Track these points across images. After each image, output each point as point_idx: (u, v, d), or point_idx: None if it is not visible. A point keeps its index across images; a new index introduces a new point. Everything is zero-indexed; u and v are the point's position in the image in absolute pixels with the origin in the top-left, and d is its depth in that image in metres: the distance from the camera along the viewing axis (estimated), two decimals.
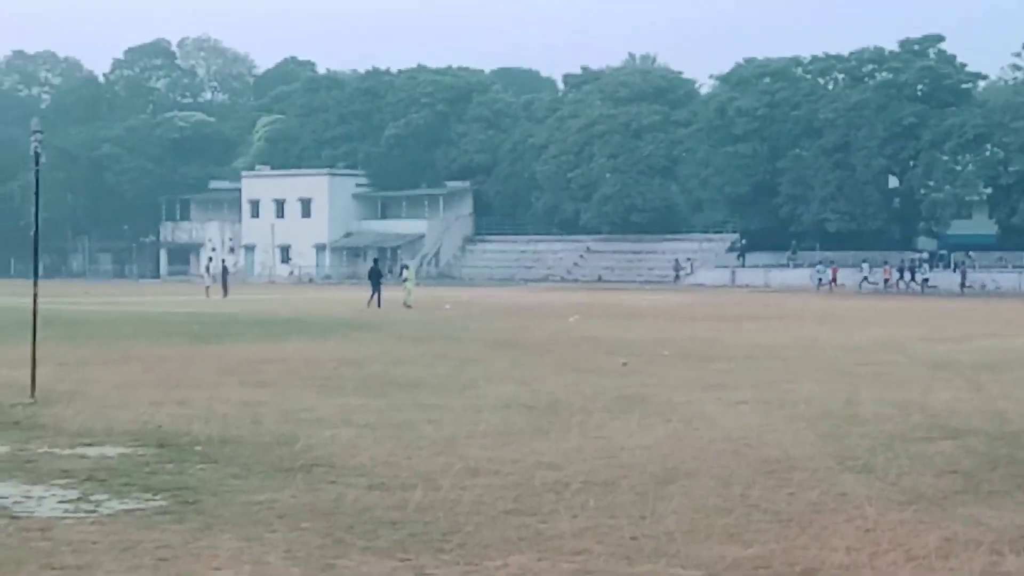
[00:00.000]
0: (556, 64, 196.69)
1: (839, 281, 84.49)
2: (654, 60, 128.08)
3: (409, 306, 51.97)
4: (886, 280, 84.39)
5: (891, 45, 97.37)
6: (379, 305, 52.49)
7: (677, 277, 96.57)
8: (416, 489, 11.67)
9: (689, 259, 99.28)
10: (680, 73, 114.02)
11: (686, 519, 10.58)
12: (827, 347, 30.78)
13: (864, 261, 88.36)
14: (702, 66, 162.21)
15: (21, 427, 15.82)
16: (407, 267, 63.72)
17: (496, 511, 10.88)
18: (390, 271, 62.70)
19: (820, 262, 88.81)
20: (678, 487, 12.03)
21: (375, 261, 64.06)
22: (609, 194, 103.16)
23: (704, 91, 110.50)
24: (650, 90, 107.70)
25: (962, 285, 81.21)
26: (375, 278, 55.94)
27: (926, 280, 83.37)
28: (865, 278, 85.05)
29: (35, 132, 19.63)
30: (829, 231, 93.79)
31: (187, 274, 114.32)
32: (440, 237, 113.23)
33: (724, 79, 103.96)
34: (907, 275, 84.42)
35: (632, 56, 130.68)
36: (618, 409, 17.84)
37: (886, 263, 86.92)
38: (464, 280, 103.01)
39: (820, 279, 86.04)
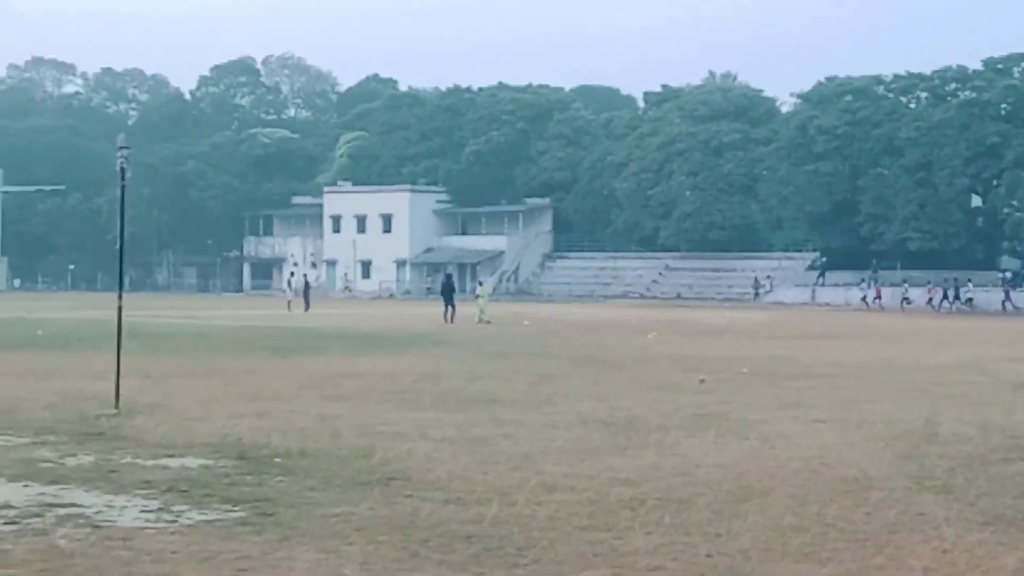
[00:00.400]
0: (636, 82, 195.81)
1: (883, 299, 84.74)
2: (735, 78, 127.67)
3: (488, 322, 52.05)
4: (930, 299, 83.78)
5: (975, 64, 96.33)
6: (451, 320, 52.58)
7: (756, 295, 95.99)
8: (492, 504, 11.69)
9: (768, 277, 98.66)
10: (761, 91, 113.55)
11: (761, 537, 10.52)
12: (907, 366, 30.47)
13: (904, 281, 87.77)
14: (783, 84, 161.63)
15: (105, 438, 16.01)
16: (481, 283, 63.87)
17: (571, 527, 10.88)
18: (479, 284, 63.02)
19: (863, 280, 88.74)
20: (754, 505, 11.96)
21: (447, 276, 64.04)
22: (688, 211, 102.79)
23: (785, 109, 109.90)
24: (731, 108, 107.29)
25: (1004, 304, 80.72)
26: (448, 293, 56.04)
27: (970, 299, 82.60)
28: (905, 298, 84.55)
29: (121, 148, 19.87)
30: (911, 250, 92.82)
31: (269, 288, 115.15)
32: (519, 253, 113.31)
33: (805, 97, 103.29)
34: (951, 294, 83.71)
35: (712, 74, 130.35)
36: (695, 427, 17.77)
37: (929, 282, 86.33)
38: (543, 296, 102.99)
39: (864, 297, 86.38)
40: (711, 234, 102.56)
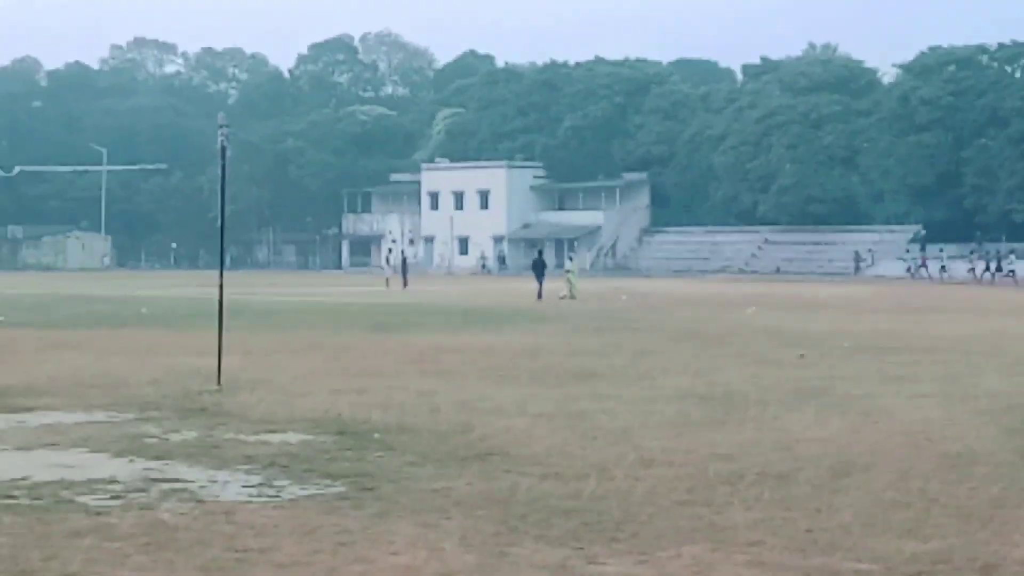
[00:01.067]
0: (735, 55, 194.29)
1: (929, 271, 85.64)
2: (835, 49, 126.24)
3: (574, 297, 51.91)
4: (971, 270, 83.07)
5: None
6: (540, 297, 52.50)
7: (857, 269, 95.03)
8: (590, 479, 11.70)
9: (870, 250, 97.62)
10: (861, 62, 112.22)
11: (863, 512, 10.43)
12: (1014, 340, 30.01)
13: (941, 250, 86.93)
14: (884, 55, 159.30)
15: (208, 414, 16.22)
16: (571, 259, 63.77)
17: (670, 502, 10.86)
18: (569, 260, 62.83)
19: (972, 251, 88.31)
20: (855, 480, 11.86)
21: (539, 252, 63.98)
22: (788, 185, 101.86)
23: (886, 80, 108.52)
24: (831, 80, 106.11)
25: None
26: (539, 269, 56.04)
27: (1012, 271, 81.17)
28: (943, 267, 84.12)
29: (222, 127, 20.07)
30: (1016, 222, 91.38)
31: (368, 265, 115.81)
32: (617, 228, 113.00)
33: (907, 68, 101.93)
34: (992, 266, 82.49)
35: (812, 45, 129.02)
36: (795, 401, 17.64)
37: (972, 252, 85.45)
38: (641, 271, 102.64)
39: (909, 268, 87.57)
40: (811, 207, 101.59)
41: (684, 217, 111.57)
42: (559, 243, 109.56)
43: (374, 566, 8.79)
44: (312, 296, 55.71)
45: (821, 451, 13.44)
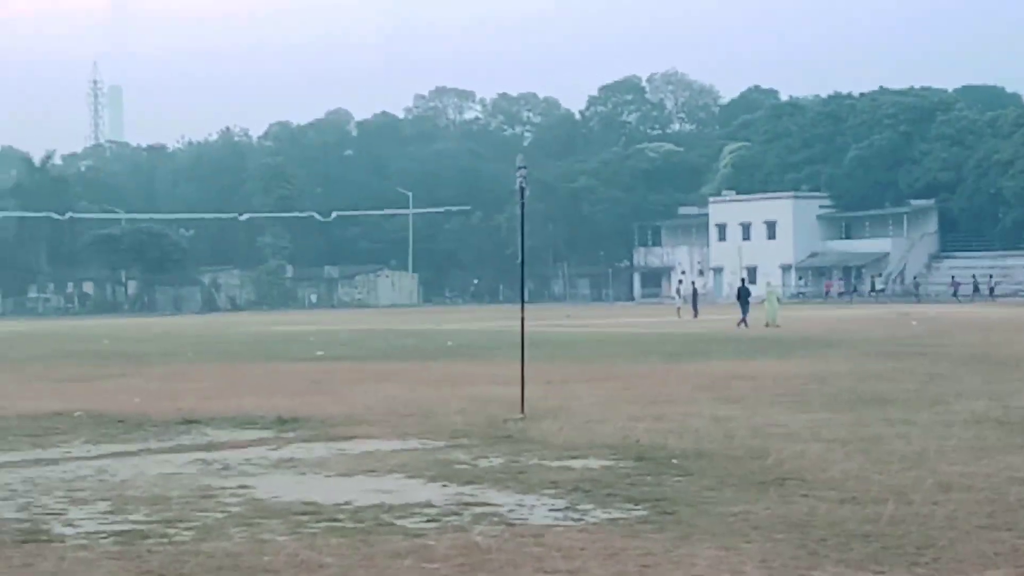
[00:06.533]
0: (1021, 80, 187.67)
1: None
2: None
3: (777, 325, 50.78)
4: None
5: None
6: (745, 325, 51.66)
7: None
8: (888, 503, 11.40)
9: None
10: None
11: None
12: None
13: None
14: None
15: (513, 440, 16.42)
16: (769, 284, 62.63)
17: (970, 526, 10.49)
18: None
19: None
20: None
21: (742, 281, 63.40)
22: None
23: None
24: None
25: None
26: (744, 297, 55.41)
27: None
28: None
29: (520, 168, 20.40)
30: None
31: (659, 296, 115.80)
32: (905, 255, 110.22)
33: None
34: None
35: None
36: None
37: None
38: (930, 297, 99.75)
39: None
40: None
41: (973, 242, 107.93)
42: (847, 270, 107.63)
43: None
44: (606, 327, 55.94)
45: None
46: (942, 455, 14.37)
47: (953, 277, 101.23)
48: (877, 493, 11.98)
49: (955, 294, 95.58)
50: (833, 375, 26.02)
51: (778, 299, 55.23)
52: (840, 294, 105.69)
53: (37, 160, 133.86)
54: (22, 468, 14.68)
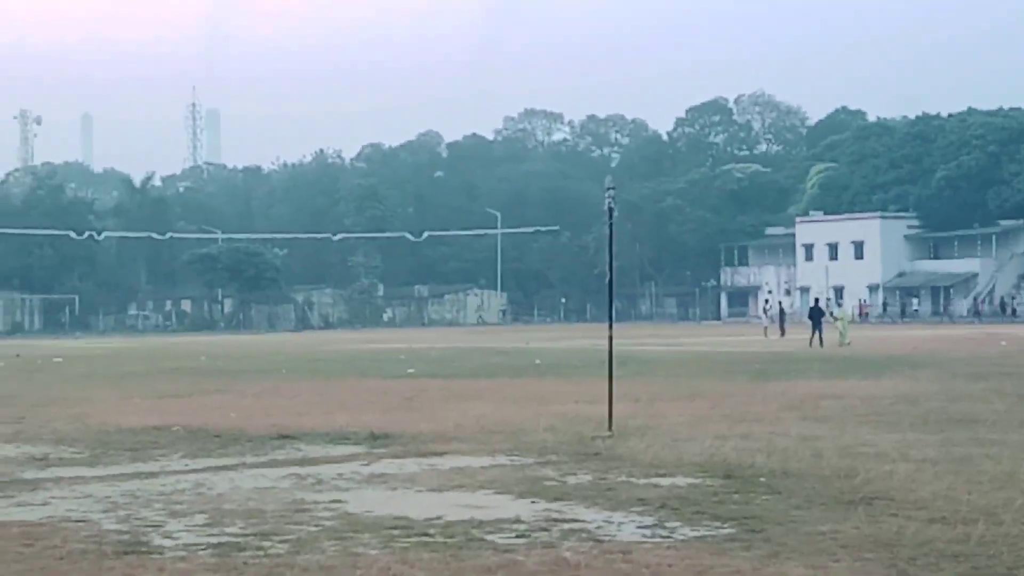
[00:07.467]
0: None
1: None
2: None
3: (848, 343, 51.17)
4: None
5: None
6: (820, 344, 51.89)
7: None
8: (978, 523, 11.21)
9: None
10: None
11: None
12: None
13: None
14: None
15: (601, 458, 16.38)
16: (840, 305, 62.28)
17: None
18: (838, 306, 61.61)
19: None
20: None
21: (815, 301, 63.11)
22: None
23: None
24: None
25: None
26: (816, 317, 55.07)
27: None
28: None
29: (608, 189, 20.39)
30: None
31: (746, 316, 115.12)
32: (994, 275, 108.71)
33: None
34: None
35: None
36: None
37: None
38: (1021, 317, 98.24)
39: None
40: None
41: None
42: (935, 291, 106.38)
43: None
44: (693, 346, 55.66)
45: None
46: None
47: None
48: (967, 513, 11.79)
49: None
50: (922, 395, 25.68)
51: (847, 320, 55.35)
52: (872, 315, 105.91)
53: (138, 182, 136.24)
54: (123, 481, 14.89)
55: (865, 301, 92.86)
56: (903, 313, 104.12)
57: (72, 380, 35.58)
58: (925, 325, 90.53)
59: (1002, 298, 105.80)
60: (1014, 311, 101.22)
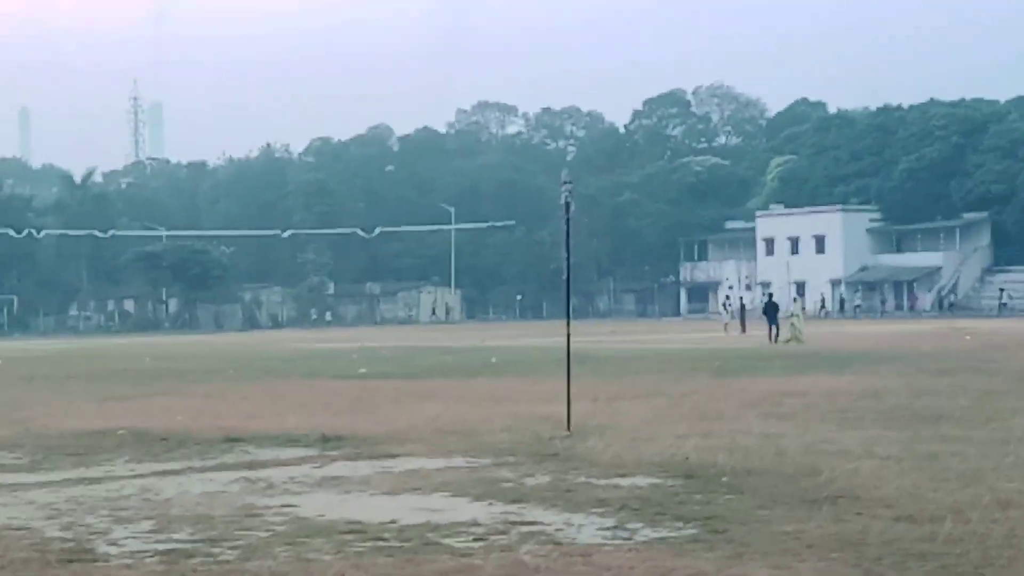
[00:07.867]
0: None
1: None
2: None
3: (801, 341, 50.83)
4: None
5: None
6: (775, 340, 52.25)
7: None
8: (945, 521, 11.29)
9: None
10: None
11: None
12: None
13: None
14: None
15: (560, 458, 16.39)
16: (796, 300, 62.60)
17: None
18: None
19: None
20: None
21: (769, 296, 63.53)
22: None
23: None
24: None
25: None
26: (770, 312, 55.41)
27: None
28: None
29: (565, 183, 20.37)
30: None
31: (706, 312, 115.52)
32: (957, 269, 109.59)
33: None
34: None
35: None
36: None
37: None
38: (983, 311, 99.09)
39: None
40: None
41: None
42: (897, 285, 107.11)
43: None
44: (652, 343, 55.81)
45: None
46: (999, 472, 14.24)
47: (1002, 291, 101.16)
48: (933, 511, 11.87)
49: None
50: (886, 391, 25.83)
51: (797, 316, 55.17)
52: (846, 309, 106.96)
53: (78, 178, 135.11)
54: (66, 487, 14.78)
55: (844, 299, 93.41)
56: (879, 310, 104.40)
57: (11, 383, 35.28)
58: (891, 320, 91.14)
59: (939, 291, 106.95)
60: (951, 305, 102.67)
